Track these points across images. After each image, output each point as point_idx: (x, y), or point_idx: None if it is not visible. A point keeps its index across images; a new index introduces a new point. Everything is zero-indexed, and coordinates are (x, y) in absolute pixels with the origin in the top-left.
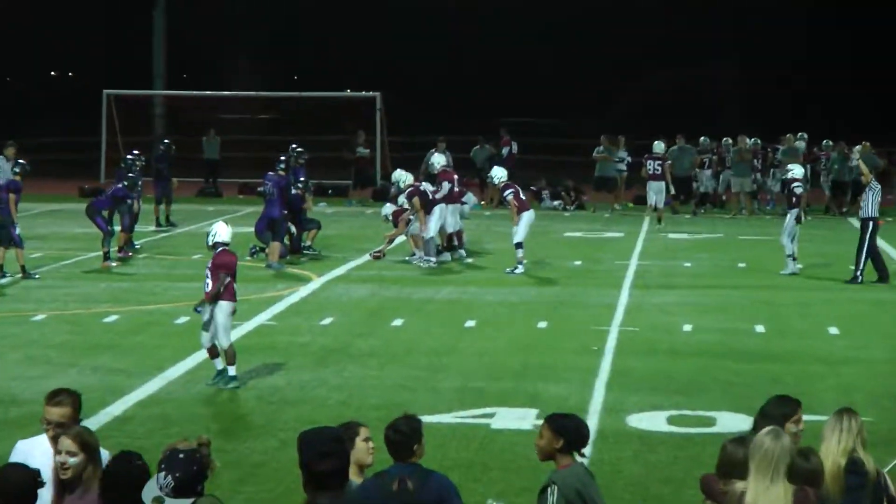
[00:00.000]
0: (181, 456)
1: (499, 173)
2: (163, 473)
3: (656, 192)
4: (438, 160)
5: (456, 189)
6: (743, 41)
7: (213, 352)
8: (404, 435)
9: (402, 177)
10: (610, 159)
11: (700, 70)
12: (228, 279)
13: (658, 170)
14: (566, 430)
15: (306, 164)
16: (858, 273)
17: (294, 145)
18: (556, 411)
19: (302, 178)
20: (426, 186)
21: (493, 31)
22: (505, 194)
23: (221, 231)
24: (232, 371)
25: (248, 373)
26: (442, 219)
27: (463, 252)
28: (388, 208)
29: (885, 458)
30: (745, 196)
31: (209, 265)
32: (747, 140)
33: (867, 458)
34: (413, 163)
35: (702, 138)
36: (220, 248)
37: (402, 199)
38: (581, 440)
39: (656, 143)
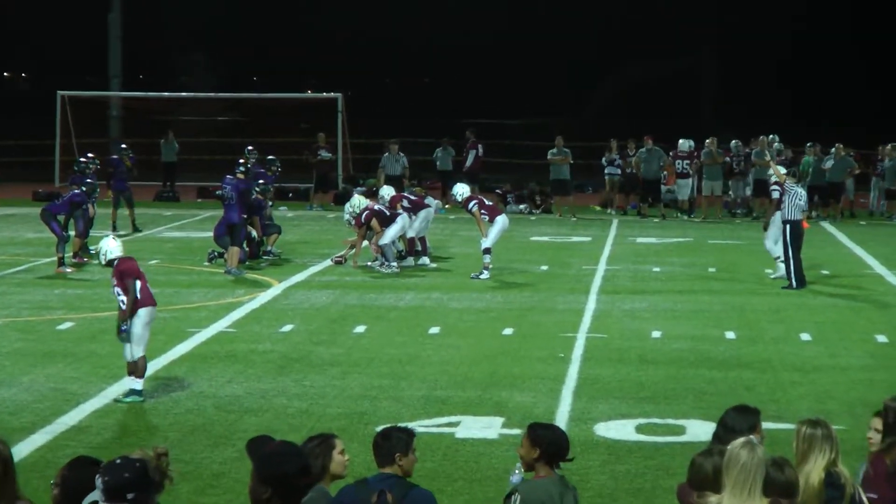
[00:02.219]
0: (118, 461)
1: (459, 190)
2: (98, 477)
3: (683, 188)
4: (387, 192)
5: (413, 197)
6: (723, 34)
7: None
8: (388, 441)
9: (356, 202)
10: (565, 161)
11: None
12: (138, 283)
13: (687, 169)
14: (542, 441)
15: (267, 167)
16: (791, 279)
17: (249, 147)
18: (535, 421)
19: (261, 181)
20: (380, 206)
21: (458, 25)
22: (469, 207)
23: (111, 247)
24: (138, 385)
25: (206, 381)
26: (404, 229)
27: (426, 259)
28: (349, 208)
29: (857, 468)
30: (716, 199)
31: (113, 282)
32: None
33: (843, 470)
34: (376, 165)
35: (733, 142)
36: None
37: (352, 204)
38: (558, 452)
39: (682, 140)
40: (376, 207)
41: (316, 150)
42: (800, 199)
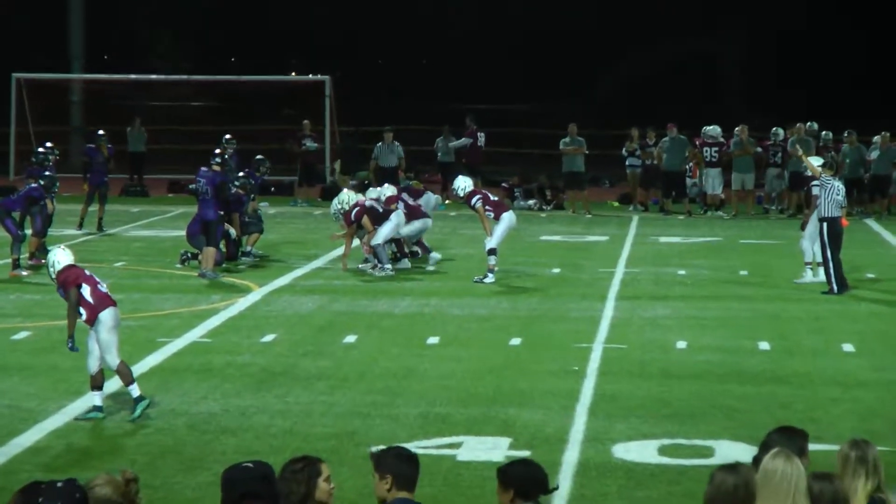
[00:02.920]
0: (59, 485)
1: (461, 183)
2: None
3: (713, 178)
4: (383, 192)
5: (411, 202)
6: (751, 10)
7: (98, 380)
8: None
9: (345, 198)
10: (580, 151)
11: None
12: (81, 290)
13: (715, 157)
14: (512, 481)
15: (255, 167)
16: (832, 283)
17: (227, 136)
18: (509, 462)
19: (241, 174)
20: (372, 202)
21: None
22: (472, 203)
23: (61, 258)
24: (135, 391)
25: (178, 397)
26: (399, 227)
27: (406, 262)
28: (337, 204)
29: None
30: (748, 194)
31: (60, 293)
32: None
33: (889, 496)
34: (368, 155)
35: (774, 129)
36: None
37: (341, 201)
38: (535, 487)
39: (712, 127)
40: (368, 204)
41: (301, 139)
42: (837, 194)
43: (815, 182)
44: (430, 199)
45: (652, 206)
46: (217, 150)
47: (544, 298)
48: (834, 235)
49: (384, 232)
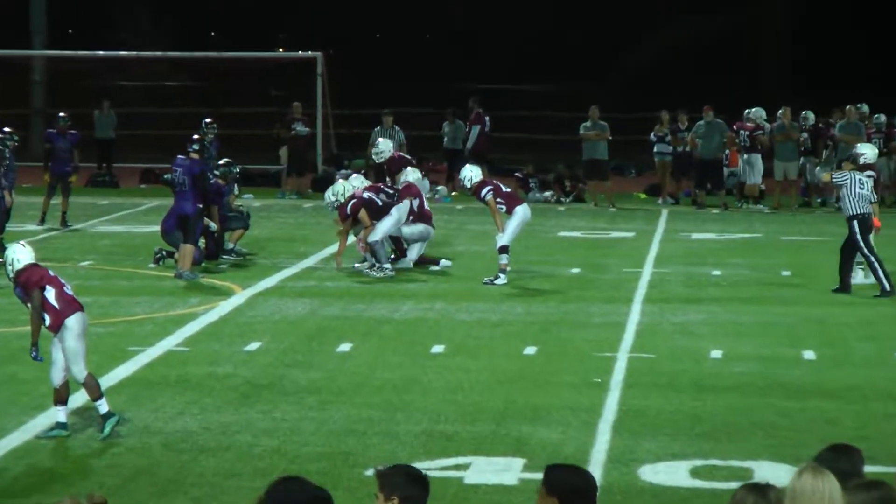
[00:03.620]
0: None
1: (469, 173)
2: None
3: (750, 165)
4: (384, 147)
5: (425, 207)
6: None
7: (63, 393)
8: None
9: (340, 188)
10: (602, 137)
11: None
12: (45, 292)
13: (748, 141)
14: (559, 487)
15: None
16: (883, 283)
17: (207, 119)
18: (554, 462)
19: (221, 163)
20: (371, 194)
21: None
22: (482, 195)
23: (21, 256)
24: (103, 406)
25: (152, 413)
26: (400, 223)
27: (446, 262)
28: (331, 196)
29: None
30: (791, 185)
31: (18, 294)
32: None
33: None
34: (365, 142)
35: (803, 112)
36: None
37: (336, 192)
38: (577, 496)
39: (755, 109)
40: (366, 196)
41: (289, 124)
42: (861, 188)
43: (869, 172)
44: (423, 183)
45: (683, 199)
46: (195, 136)
47: (562, 302)
48: (866, 231)
49: (383, 227)
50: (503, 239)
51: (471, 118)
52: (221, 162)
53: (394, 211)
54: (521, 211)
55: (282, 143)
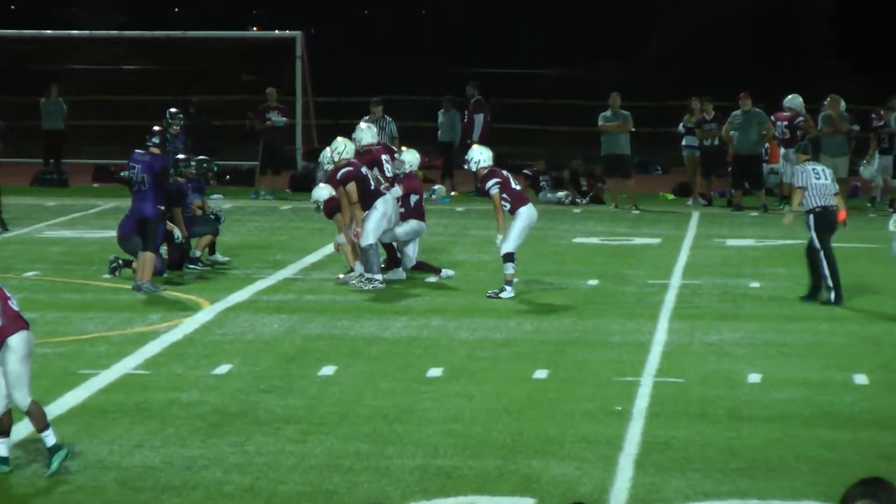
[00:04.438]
0: None
1: (477, 155)
2: None
3: (791, 162)
4: (362, 135)
5: (422, 203)
6: None
7: (4, 423)
8: None
9: (342, 147)
10: (624, 128)
11: None
12: None
13: (787, 133)
14: None
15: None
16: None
17: (173, 109)
18: (569, 502)
19: (182, 157)
20: (368, 173)
21: None
22: (487, 187)
23: None
24: (51, 438)
25: (106, 446)
26: (386, 217)
27: (450, 272)
28: (322, 192)
29: None
30: (840, 184)
31: None
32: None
33: None
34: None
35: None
36: None
37: (336, 150)
38: None
39: (792, 96)
40: (364, 171)
41: (263, 113)
42: (818, 178)
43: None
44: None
45: (717, 200)
46: (156, 128)
47: (578, 318)
48: (827, 228)
49: (371, 227)
50: (507, 245)
51: (470, 107)
52: (181, 157)
53: (378, 203)
54: (526, 213)
55: (255, 135)
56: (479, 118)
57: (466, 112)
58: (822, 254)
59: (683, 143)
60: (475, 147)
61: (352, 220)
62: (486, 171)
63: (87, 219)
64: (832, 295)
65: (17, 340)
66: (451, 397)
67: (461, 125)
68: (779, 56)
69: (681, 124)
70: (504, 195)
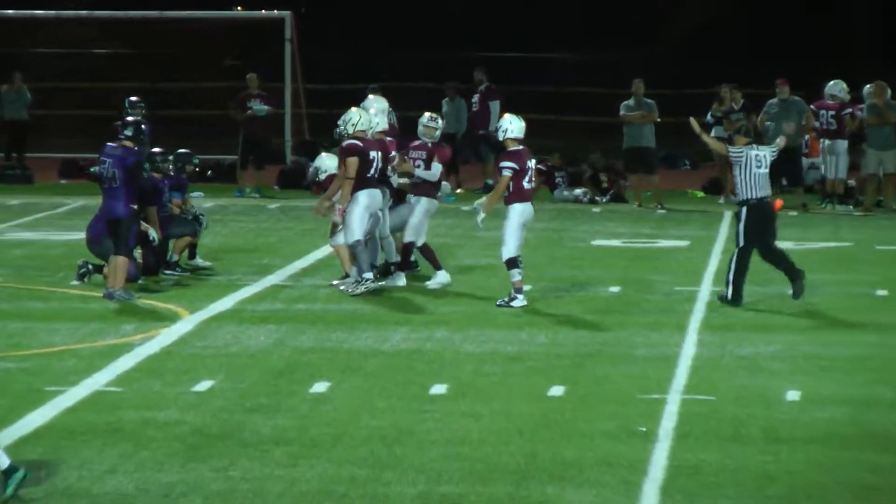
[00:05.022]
0: None
1: (509, 125)
2: None
3: (834, 155)
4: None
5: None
6: None
7: None
8: None
9: (356, 117)
10: (649, 119)
11: None
12: None
13: (832, 122)
14: None
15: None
16: (728, 291)
17: (133, 98)
18: None
19: (158, 150)
20: (375, 151)
21: None
22: (502, 165)
23: None
24: (4, 460)
25: (75, 471)
26: (369, 211)
27: (444, 277)
28: (326, 161)
29: None
30: (889, 180)
31: None
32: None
33: None
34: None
35: (866, 87)
36: None
37: (351, 121)
38: None
39: (833, 82)
40: (372, 155)
41: (244, 101)
42: (759, 166)
43: (732, 153)
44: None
45: None
46: (130, 118)
47: (598, 329)
48: (760, 222)
49: (355, 222)
50: (506, 249)
51: (482, 94)
52: (182, 151)
53: (361, 196)
54: (521, 210)
55: (237, 126)
56: (496, 105)
57: (476, 100)
58: (737, 251)
59: (712, 134)
60: (507, 115)
61: (339, 197)
62: (508, 152)
63: (53, 219)
64: (729, 292)
65: None
66: (457, 417)
67: (467, 115)
68: (818, 39)
69: (709, 114)
70: (511, 184)
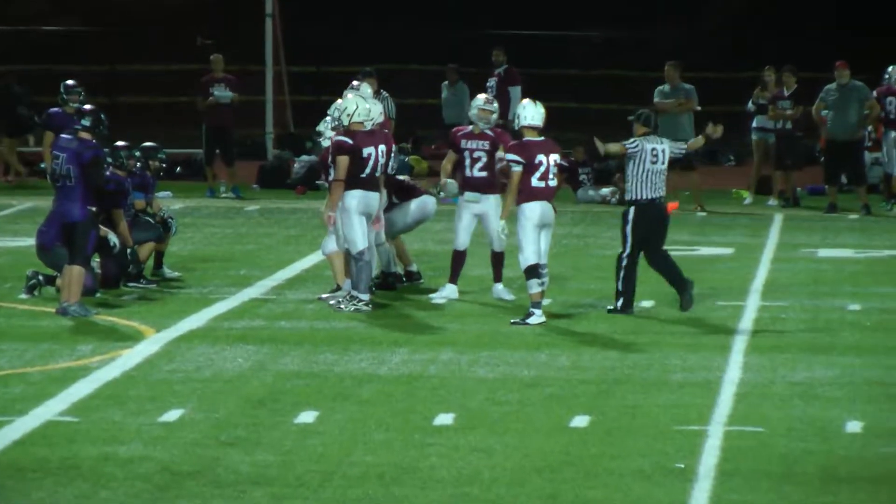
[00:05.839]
0: None
1: (525, 111)
2: None
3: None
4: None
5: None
6: None
7: None
8: None
9: (351, 106)
10: (686, 107)
11: None
12: None
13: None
14: None
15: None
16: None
17: (70, 82)
18: None
19: (122, 144)
20: (372, 150)
21: None
22: (507, 159)
23: None
24: None
25: None
26: (365, 212)
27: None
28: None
29: None
30: None
31: None
32: None
33: None
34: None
35: (891, 68)
36: None
37: (346, 110)
38: None
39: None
40: (367, 152)
41: (207, 87)
42: (655, 160)
43: (628, 146)
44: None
45: (805, 198)
46: (87, 106)
47: (628, 350)
48: (649, 226)
49: (353, 226)
50: (524, 256)
51: (500, 77)
52: (148, 144)
53: (353, 194)
54: (538, 209)
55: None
56: (516, 91)
57: (494, 84)
58: (623, 257)
59: (754, 124)
60: (526, 100)
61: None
62: (530, 133)
63: None
64: (619, 303)
65: None
66: (465, 452)
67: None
68: (880, 15)
69: (750, 101)
70: (523, 181)
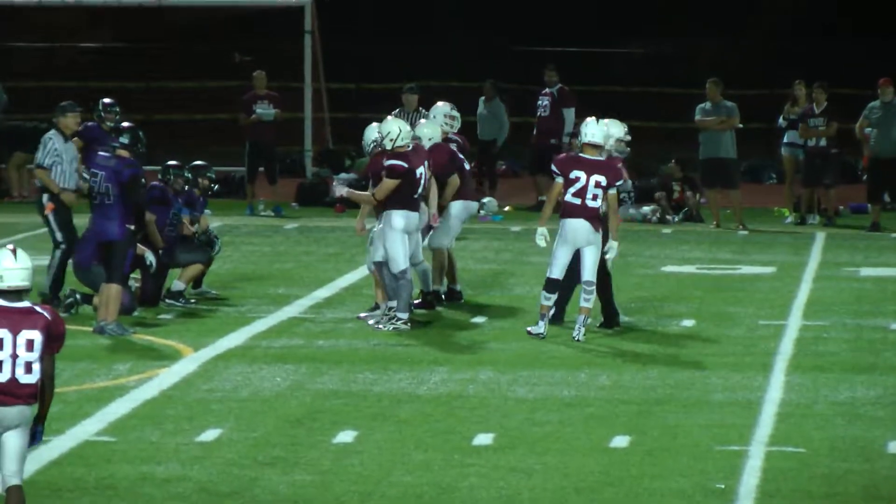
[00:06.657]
0: None
1: (585, 126)
2: None
3: None
4: (429, 132)
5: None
6: None
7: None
8: None
9: (395, 130)
10: (728, 124)
11: None
12: None
13: None
14: None
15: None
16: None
17: (107, 100)
18: None
19: (174, 163)
20: (423, 168)
21: None
22: (556, 170)
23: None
24: None
25: None
26: (408, 231)
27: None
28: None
29: None
30: None
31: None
32: None
33: None
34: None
35: None
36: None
37: (390, 134)
38: None
39: None
40: (419, 173)
41: (249, 104)
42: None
43: None
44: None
45: (848, 216)
46: (126, 124)
47: (669, 370)
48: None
49: (395, 245)
50: (549, 269)
51: (552, 95)
52: (198, 163)
53: (396, 219)
54: (579, 230)
55: (243, 132)
56: (570, 113)
57: (547, 104)
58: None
59: (784, 139)
60: (590, 118)
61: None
62: (590, 152)
63: (34, 240)
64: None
65: None
66: (505, 472)
67: (507, 119)
68: None
69: (780, 116)
70: (566, 199)
